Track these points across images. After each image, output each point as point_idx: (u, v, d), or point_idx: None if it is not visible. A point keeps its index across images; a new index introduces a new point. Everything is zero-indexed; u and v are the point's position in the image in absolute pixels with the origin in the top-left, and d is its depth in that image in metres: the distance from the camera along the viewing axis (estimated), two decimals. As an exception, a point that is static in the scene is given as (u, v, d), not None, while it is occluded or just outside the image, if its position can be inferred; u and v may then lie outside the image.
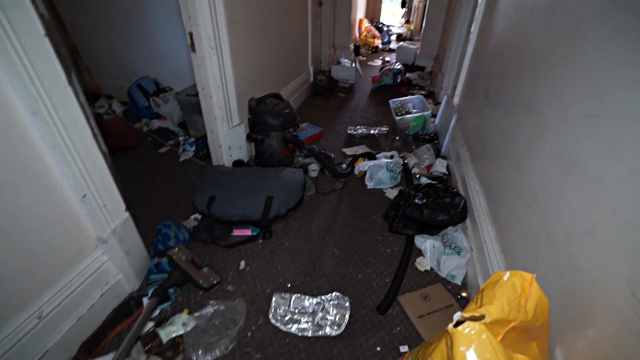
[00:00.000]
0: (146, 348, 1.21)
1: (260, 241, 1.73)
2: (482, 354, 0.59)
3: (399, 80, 4.16)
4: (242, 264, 1.59)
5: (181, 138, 2.69)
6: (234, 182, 1.80)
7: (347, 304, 1.37)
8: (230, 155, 2.24)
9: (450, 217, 1.63)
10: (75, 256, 1.20)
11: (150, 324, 1.30)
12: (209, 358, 1.20)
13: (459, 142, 2.20)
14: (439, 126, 2.82)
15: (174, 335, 1.25)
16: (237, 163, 2.18)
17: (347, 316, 1.33)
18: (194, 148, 2.54)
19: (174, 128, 2.83)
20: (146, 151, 2.59)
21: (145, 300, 1.38)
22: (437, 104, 3.37)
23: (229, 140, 2.17)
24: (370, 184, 2.17)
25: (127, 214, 1.38)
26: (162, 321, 1.31)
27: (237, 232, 1.75)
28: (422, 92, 3.93)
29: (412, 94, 3.67)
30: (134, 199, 1.97)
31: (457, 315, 0.68)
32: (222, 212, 1.69)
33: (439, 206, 1.66)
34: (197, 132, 2.67)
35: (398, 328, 1.35)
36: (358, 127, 2.93)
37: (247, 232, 1.75)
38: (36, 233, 1.06)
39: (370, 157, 2.41)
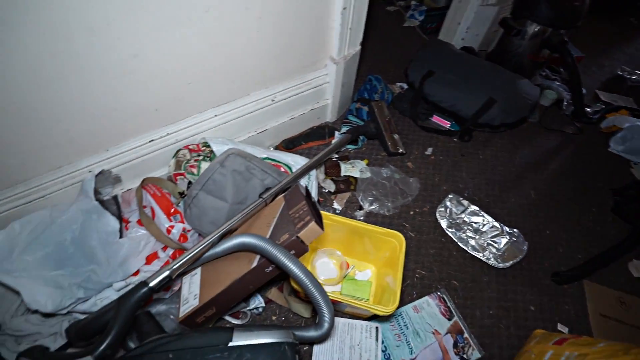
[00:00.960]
0: (326, 171, 1.35)
1: (456, 140, 1.57)
2: None
3: None
4: (430, 150, 1.50)
5: (413, 2, 2.43)
6: (459, 67, 1.56)
7: (525, 247, 1.18)
8: (463, 39, 1.93)
9: None
10: (309, 65, 1.30)
11: (335, 156, 1.41)
12: (371, 208, 1.27)
13: None
14: None
15: (350, 173, 1.34)
16: (467, 50, 1.87)
17: (518, 258, 1.16)
18: (422, 18, 2.29)
19: (411, -10, 2.55)
20: (373, 4, 2.47)
21: (337, 134, 1.48)
22: None
23: (472, 18, 1.83)
24: (617, 148, 1.62)
25: (359, 48, 1.37)
26: (344, 158, 1.41)
27: (436, 119, 1.62)
28: None
29: None
30: (353, 44, 1.97)
31: None
32: (434, 92, 1.54)
33: None
34: (433, 2, 2.35)
35: (566, 307, 1.13)
36: (638, 71, 2.08)
37: (446, 125, 1.59)
38: (298, 28, 1.13)
39: (637, 115, 1.74)
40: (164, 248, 1.02)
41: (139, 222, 1.02)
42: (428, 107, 1.62)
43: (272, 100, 1.26)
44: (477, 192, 1.38)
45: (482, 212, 1.26)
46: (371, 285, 1.06)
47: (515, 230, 1.22)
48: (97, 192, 0.98)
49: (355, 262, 1.12)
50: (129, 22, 0.78)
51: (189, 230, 1.03)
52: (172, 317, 0.90)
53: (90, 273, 0.89)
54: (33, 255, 0.86)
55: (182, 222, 1.02)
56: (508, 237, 1.19)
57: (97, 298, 0.91)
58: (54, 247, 0.88)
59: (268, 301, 1.05)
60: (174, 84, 0.98)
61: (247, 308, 1.00)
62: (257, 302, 1.01)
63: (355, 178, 1.34)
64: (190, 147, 1.13)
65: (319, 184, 1.31)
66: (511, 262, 1.15)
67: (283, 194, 0.99)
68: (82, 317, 0.89)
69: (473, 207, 1.26)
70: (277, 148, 1.44)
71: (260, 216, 0.96)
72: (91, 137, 0.96)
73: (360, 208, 1.28)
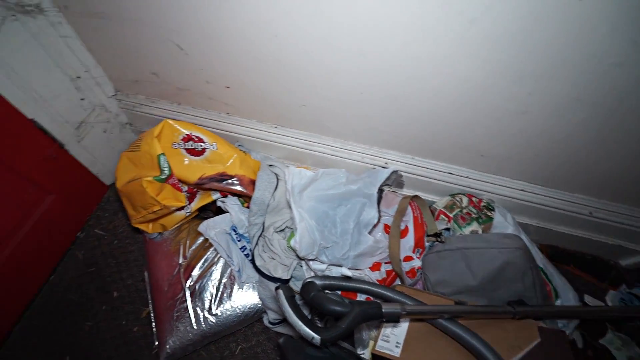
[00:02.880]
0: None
1: None
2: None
3: None
4: None
5: None
6: None
7: None
8: None
9: None
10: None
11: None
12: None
13: None
14: None
15: None
16: None
17: None
18: None
19: None
20: None
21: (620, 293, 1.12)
22: None
23: None
24: None
25: None
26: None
27: None
28: None
29: None
30: None
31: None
32: None
33: None
34: None
35: None
36: None
37: None
38: None
39: None
40: (387, 262, 1.06)
41: (386, 229, 1.07)
42: None
43: (589, 214, 1.02)
44: None
45: None
46: None
47: None
48: (381, 186, 1.08)
49: None
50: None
51: (419, 268, 1.02)
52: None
53: (334, 245, 1.01)
54: (313, 202, 1.04)
55: (419, 259, 1.01)
56: None
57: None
58: (327, 207, 1.04)
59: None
60: (516, 150, 0.91)
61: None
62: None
63: None
64: (473, 199, 1.07)
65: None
66: None
67: (539, 326, 0.82)
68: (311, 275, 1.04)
69: None
70: (540, 247, 1.22)
71: (500, 326, 0.83)
72: (420, 144, 1.02)
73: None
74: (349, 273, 1.02)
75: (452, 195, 1.10)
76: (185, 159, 1.00)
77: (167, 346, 1.02)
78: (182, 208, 1.05)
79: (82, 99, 1.12)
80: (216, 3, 0.78)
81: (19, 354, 1.07)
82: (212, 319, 1.05)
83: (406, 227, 1.05)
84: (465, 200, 1.07)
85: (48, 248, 1.15)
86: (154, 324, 1.10)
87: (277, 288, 0.88)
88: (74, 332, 1.10)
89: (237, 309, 1.06)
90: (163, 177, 0.94)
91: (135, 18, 0.88)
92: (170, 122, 0.99)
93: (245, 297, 1.07)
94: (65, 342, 1.08)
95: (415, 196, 1.11)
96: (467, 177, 1.05)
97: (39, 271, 1.14)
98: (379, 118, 0.97)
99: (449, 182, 1.07)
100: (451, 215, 1.06)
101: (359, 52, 0.78)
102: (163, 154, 0.94)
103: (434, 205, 1.13)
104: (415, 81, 0.81)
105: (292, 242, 1.04)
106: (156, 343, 1.07)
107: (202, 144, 1.03)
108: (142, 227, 1.08)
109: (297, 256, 1.06)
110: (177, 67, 1.00)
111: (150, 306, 1.13)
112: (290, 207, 1.06)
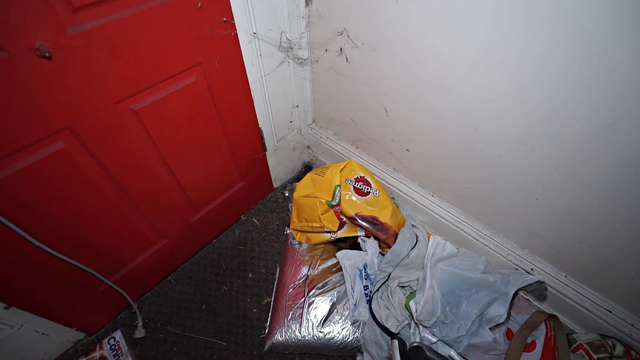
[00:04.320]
0: None
1: None
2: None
3: None
4: None
5: None
6: None
7: None
8: None
9: None
10: None
11: None
12: None
13: None
14: None
15: None
16: None
17: None
18: None
19: None
20: None
21: None
22: None
23: None
24: None
25: None
26: None
27: None
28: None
29: None
30: None
31: None
32: None
33: None
34: None
35: None
36: None
37: None
38: None
39: None
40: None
41: (508, 334, 1.04)
42: None
43: None
44: None
45: None
46: None
47: None
48: (519, 289, 1.05)
49: None
50: None
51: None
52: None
53: (451, 324, 1.02)
54: (446, 275, 1.09)
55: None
56: None
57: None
58: (457, 286, 1.07)
59: None
60: None
61: None
62: None
63: None
64: (632, 352, 0.94)
65: None
66: None
67: None
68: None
69: None
70: None
71: None
72: (584, 267, 0.98)
73: None
74: (457, 358, 1.02)
75: (603, 336, 0.99)
76: (353, 196, 1.19)
77: (275, 337, 1.19)
78: (331, 231, 1.23)
79: (291, 122, 1.46)
80: (435, 92, 0.95)
81: (178, 286, 1.40)
82: (317, 334, 1.17)
83: (534, 342, 1.00)
84: (619, 348, 0.95)
85: (223, 218, 1.49)
86: (270, 313, 1.29)
87: (392, 338, 0.95)
88: (214, 288, 1.38)
89: (340, 337, 1.17)
90: (333, 203, 1.14)
91: (364, 81, 1.13)
92: (353, 162, 1.20)
93: (350, 330, 1.17)
94: (205, 293, 1.37)
95: (553, 316, 1.04)
96: (631, 325, 0.93)
97: (211, 232, 1.48)
98: (546, 227, 0.97)
99: (604, 321, 0.97)
100: (595, 357, 0.95)
101: (553, 166, 0.83)
102: (339, 185, 1.15)
103: (573, 335, 1.04)
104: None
105: (411, 303, 1.11)
106: (266, 330, 1.26)
107: (368, 188, 1.20)
108: (294, 232, 1.31)
109: (411, 316, 1.11)
110: (374, 122, 1.21)
111: (273, 298, 1.33)
112: (422, 270, 1.13)
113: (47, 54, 0.68)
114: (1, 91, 0.67)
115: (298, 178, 1.68)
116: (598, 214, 0.84)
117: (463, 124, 0.95)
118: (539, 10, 0.67)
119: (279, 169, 1.58)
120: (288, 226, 1.43)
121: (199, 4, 0.86)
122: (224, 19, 0.95)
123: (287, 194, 1.62)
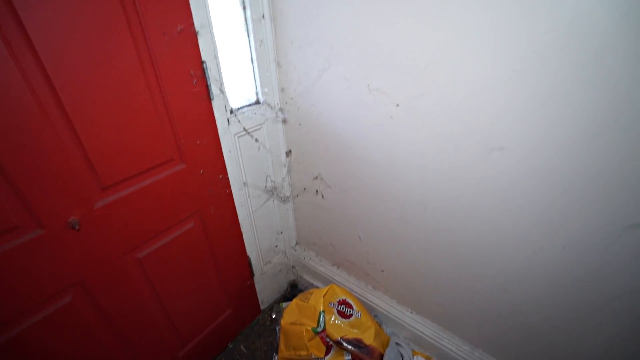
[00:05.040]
0: None
1: None
2: None
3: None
4: None
5: None
6: None
7: None
8: None
9: None
10: None
11: None
12: None
13: None
14: None
15: None
16: None
17: None
18: None
19: None
20: None
21: None
22: None
23: None
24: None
25: None
26: None
27: None
28: None
29: None
30: None
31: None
32: None
33: None
34: None
35: None
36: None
37: None
38: None
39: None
40: None
41: None
42: None
43: None
44: None
45: None
46: None
47: None
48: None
49: None
50: None
51: None
52: None
53: None
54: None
55: None
56: None
57: None
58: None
59: None
60: None
61: None
62: None
63: None
64: None
65: None
66: None
67: None
68: None
69: None
70: None
71: None
72: None
73: None
74: None
75: None
76: (336, 319, 1.26)
77: None
78: (318, 358, 1.25)
79: (276, 246, 1.60)
80: (396, 223, 1.14)
81: None
82: None
83: None
84: None
85: (211, 348, 1.47)
86: None
87: None
88: None
89: None
90: (318, 329, 1.20)
91: (340, 213, 1.33)
92: (335, 286, 1.31)
93: None
94: None
95: None
96: None
97: (197, 365, 1.45)
98: (516, 337, 1.06)
99: None
100: None
101: (501, 290, 0.98)
102: (323, 311, 1.23)
103: None
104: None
105: None
106: None
107: (351, 310, 1.29)
108: (282, 362, 1.32)
109: None
110: (351, 246, 1.37)
111: None
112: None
113: (76, 227, 0.83)
114: (31, 262, 0.80)
115: (284, 297, 1.74)
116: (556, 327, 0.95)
117: (424, 249, 1.12)
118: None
119: (265, 291, 1.64)
120: (276, 352, 1.43)
121: (201, 171, 1.09)
122: (220, 176, 1.17)
123: (274, 316, 1.65)
